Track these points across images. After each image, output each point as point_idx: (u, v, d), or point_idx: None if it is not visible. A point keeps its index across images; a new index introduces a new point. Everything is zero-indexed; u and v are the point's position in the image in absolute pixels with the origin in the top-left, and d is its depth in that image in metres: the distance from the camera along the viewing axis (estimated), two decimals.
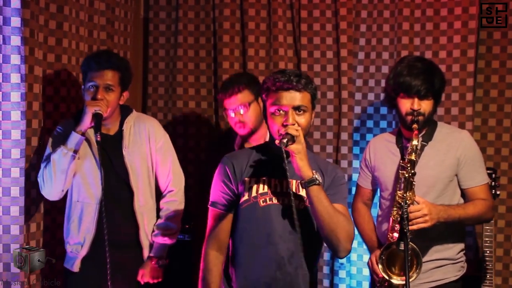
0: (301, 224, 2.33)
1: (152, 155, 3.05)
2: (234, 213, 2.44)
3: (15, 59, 2.85)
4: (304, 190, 2.32)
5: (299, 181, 2.34)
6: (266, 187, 2.39)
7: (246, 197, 2.39)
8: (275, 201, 2.38)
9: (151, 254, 3.04)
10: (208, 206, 2.48)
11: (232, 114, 3.09)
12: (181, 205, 3.13)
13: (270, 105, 2.33)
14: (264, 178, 2.40)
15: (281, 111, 2.31)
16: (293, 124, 2.27)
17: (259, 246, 2.38)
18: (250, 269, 2.40)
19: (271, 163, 2.40)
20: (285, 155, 2.20)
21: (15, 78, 2.86)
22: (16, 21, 2.83)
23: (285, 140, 2.19)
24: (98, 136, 2.74)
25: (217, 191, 2.45)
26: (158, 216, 3.09)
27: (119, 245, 2.87)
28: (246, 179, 2.41)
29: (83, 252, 2.94)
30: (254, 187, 2.39)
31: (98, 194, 2.90)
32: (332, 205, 2.28)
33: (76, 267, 2.95)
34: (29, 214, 2.99)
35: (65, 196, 2.96)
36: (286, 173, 2.25)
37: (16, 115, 2.87)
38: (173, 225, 3.07)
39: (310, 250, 2.42)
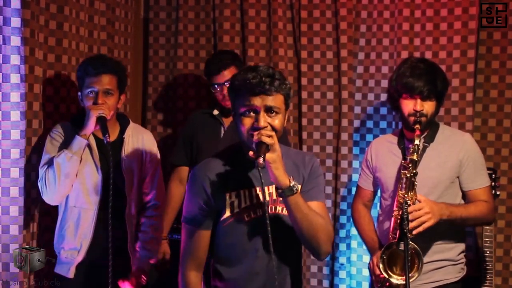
0: (286, 229, 2.25)
1: (144, 166, 3.06)
2: (214, 230, 2.28)
3: (15, 59, 2.85)
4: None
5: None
6: (248, 200, 2.24)
7: (228, 213, 2.23)
8: (259, 213, 2.24)
9: (140, 266, 2.99)
10: (182, 222, 2.32)
11: (218, 89, 3.28)
12: (162, 220, 3.15)
13: (239, 105, 2.15)
14: (244, 190, 2.25)
15: (251, 113, 2.13)
16: (265, 127, 2.11)
17: (246, 261, 2.25)
18: (237, 283, 2.28)
19: (248, 171, 2.25)
20: (262, 182, 2.07)
21: (14, 78, 2.86)
22: (16, 22, 2.83)
23: (261, 161, 2.03)
24: (108, 138, 2.76)
25: (194, 207, 2.26)
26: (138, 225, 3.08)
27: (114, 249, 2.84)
28: (226, 194, 2.24)
29: (80, 257, 2.90)
30: (236, 202, 2.24)
31: (97, 200, 2.89)
32: (311, 209, 2.17)
33: (71, 273, 2.90)
34: (29, 214, 2.99)
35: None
36: (261, 182, 2.10)
37: (15, 115, 2.87)
38: (158, 239, 3.11)
39: (295, 252, 2.36)
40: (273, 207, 2.27)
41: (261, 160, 2.03)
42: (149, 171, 3.08)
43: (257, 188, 2.24)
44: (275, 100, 2.13)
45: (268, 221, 2.10)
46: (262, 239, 2.22)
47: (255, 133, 2.10)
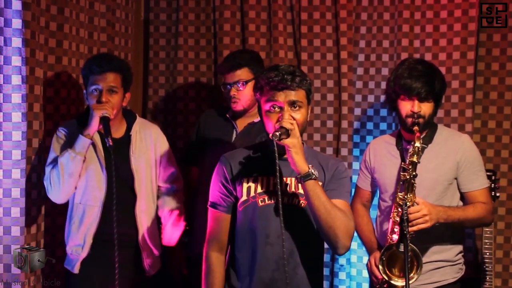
0: (300, 222, 2.33)
1: (156, 161, 3.09)
2: (233, 214, 2.42)
3: (16, 60, 2.86)
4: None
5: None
6: (264, 186, 2.37)
7: (244, 197, 2.37)
8: (273, 200, 2.34)
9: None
10: (208, 206, 2.47)
11: (228, 88, 3.19)
12: (182, 199, 3.22)
13: (265, 102, 2.30)
14: (262, 177, 2.38)
15: (276, 108, 2.27)
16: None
17: (257, 246, 2.35)
18: (249, 270, 2.38)
19: (269, 162, 2.34)
20: (276, 150, 2.18)
21: (16, 79, 2.87)
22: (17, 23, 2.84)
23: (278, 133, 2.16)
24: (110, 141, 2.76)
25: (216, 192, 2.44)
26: (158, 222, 3.13)
27: (119, 245, 2.85)
28: (244, 179, 2.38)
29: (84, 253, 2.93)
30: (252, 187, 2.37)
31: (101, 197, 2.91)
32: (330, 200, 2.24)
33: (76, 269, 2.94)
34: (30, 215, 2.99)
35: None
36: (279, 170, 2.21)
37: (17, 117, 2.88)
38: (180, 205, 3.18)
39: (311, 248, 2.40)
40: (290, 198, 2.36)
41: (277, 133, 2.16)
42: (163, 165, 3.12)
43: (275, 178, 2.32)
44: (297, 94, 2.27)
45: (281, 211, 2.20)
46: (273, 226, 2.32)
47: (277, 123, 2.23)
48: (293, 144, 2.20)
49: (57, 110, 3.23)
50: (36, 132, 3.02)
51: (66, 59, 3.26)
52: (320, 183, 2.32)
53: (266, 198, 2.36)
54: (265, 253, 2.34)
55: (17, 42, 2.85)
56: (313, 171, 2.21)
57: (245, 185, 2.38)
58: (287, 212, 2.30)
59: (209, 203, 2.47)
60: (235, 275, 2.44)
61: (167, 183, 3.16)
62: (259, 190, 2.36)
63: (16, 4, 2.83)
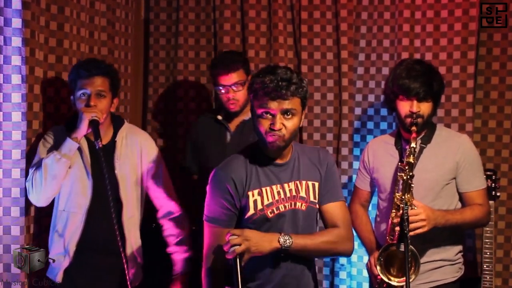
0: (303, 224, 2.35)
1: (143, 168, 3.04)
2: (238, 227, 2.36)
3: (16, 60, 2.85)
4: (305, 188, 2.36)
5: (296, 181, 2.37)
6: (270, 196, 2.35)
7: (252, 211, 2.34)
8: (282, 209, 2.35)
9: (182, 270, 3.10)
10: (205, 221, 2.41)
11: (223, 91, 3.20)
12: (183, 214, 3.17)
13: (257, 106, 2.27)
14: (266, 188, 2.35)
15: (268, 114, 2.25)
16: (280, 129, 2.23)
17: (269, 255, 2.31)
18: (257, 277, 2.38)
19: (268, 169, 2.36)
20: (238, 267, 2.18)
21: (16, 79, 2.86)
22: (17, 22, 2.83)
23: (238, 265, 2.17)
24: (100, 143, 2.73)
25: (217, 207, 2.36)
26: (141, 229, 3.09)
27: (104, 252, 2.84)
28: (249, 193, 2.34)
29: (66, 262, 2.88)
30: (259, 200, 2.34)
31: (86, 204, 2.87)
32: (314, 236, 2.34)
33: (59, 278, 2.88)
34: (30, 215, 2.99)
35: (52, 204, 2.92)
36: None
37: (17, 116, 2.87)
38: (188, 237, 3.14)
39: None
40: (292, 203, 2.37)
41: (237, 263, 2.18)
42: (152, 172, 3.06)
43: (278, 185, 2.36)
44: (291, 103, 2.25)
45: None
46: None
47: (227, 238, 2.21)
48: (248, 250, 2.20)
49: (57, 110, 3.23)
50: (36, 131, 3.01)
51: (67, 59, 3.25)
52: (317, 183, 2.40)
53: (274, 209, 2.35)
54: (275, 260, 2.34)
55: (17, 41, 2.84)
56: (283, 241, 2.25)
57: (251, 199, 2.34)
58: (292, 217, 2.33)
59: (206, 218, 2.40)
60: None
61: (160, 199, 3.11)
62: (266, 202, 2.35)
63: (16, 3, 2.82)
